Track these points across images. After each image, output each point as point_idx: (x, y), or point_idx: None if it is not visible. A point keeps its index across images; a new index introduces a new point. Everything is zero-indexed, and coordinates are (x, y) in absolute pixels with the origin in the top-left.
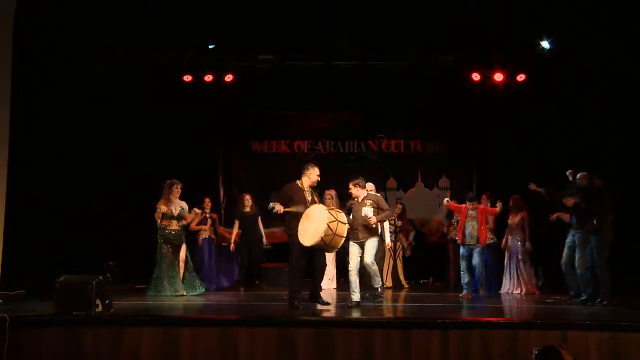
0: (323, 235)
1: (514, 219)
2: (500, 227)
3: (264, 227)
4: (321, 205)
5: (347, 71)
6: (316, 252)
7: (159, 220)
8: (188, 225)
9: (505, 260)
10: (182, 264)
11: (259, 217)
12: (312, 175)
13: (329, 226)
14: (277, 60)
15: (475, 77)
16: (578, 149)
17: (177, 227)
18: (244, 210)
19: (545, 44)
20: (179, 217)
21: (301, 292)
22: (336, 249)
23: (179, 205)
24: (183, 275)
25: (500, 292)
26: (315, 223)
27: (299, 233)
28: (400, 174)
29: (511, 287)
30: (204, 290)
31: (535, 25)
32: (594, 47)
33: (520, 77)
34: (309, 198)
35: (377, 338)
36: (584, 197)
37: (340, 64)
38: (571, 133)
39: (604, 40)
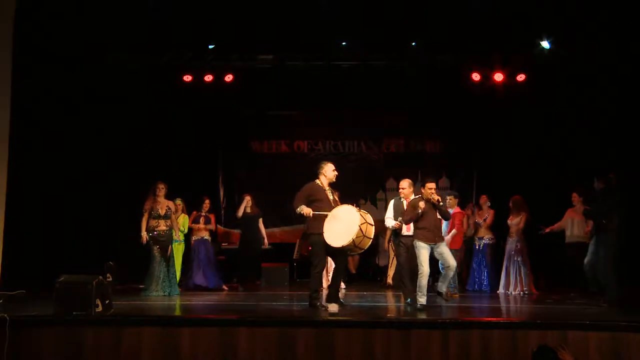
0: (355, 237)
1: (513, 220)
2: (499, 227)
3: (265, 228)
4: (349, 205)
5: (347, 71)
6: (338, 254)
7: (147, 221)
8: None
9: (504, 260)
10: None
11: (260, 218)
12: (327, 171)
13: (360, 228)
14: (277, 60)
15: (475, 77)
16: (578, 149)
17: (164, 227)
18: (246, 211)
19: (545, 44)
20: (166, 217)
21: (321, 292)
22: (362, 251)
23: (165, 205)
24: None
25: (499, 292)
26: (346, 224)
27: (325, 234)
28: (400, 174)
29: (510, 287)
30: (178, 292)
31: (535, 25)
32: (594, 47)
33: (520, 77)
34: (331, 197)
35: (377, 338)
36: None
37: (340, 64)
38: (571, 133)
39: (604, 40)
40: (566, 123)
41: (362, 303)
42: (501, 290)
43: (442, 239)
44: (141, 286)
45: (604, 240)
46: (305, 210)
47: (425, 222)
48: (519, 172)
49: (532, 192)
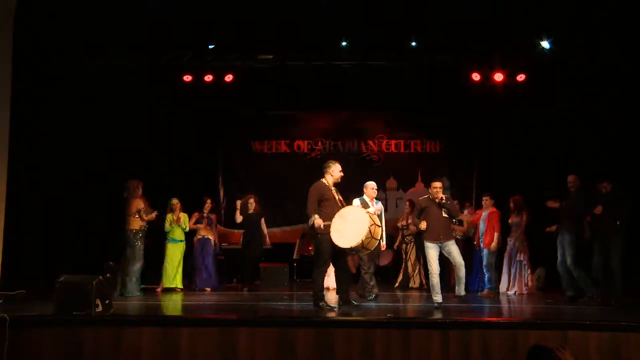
0: (364, 238)
1: (514, 220)
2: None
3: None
4: (358, 207)
5: (347, 71)
6: (340, 254)
7: (136, 219)
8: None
9: (505, 260)
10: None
11: (262, 218)
12: (334, 171)
13: (369, 229)
14: (277, 60)
15: (475, 77)
16: (578, 149)
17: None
18: (248, 212)
19: (545, 44)
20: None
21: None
22: (369, 252)
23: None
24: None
25: (498, 292)
26: (355, 225)
27: (332, 235)
28: (400, 174)
29: (510, 287)
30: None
31: (535, 25)
32: (594, 47)
33: (520, 77)
34: (337, 197)
35: (377, 338)
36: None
37: (340, 64)
38: (571, 133)
39: (604, 40)
40: (566, 123)
41: (362, 303)
42: (502, 290)
43: (449, 237)
44: (142, 286)
45: (615, 240)
46: (317, 222)
47: (430, 221)
48: (519, 172)
49: (532, 192)
